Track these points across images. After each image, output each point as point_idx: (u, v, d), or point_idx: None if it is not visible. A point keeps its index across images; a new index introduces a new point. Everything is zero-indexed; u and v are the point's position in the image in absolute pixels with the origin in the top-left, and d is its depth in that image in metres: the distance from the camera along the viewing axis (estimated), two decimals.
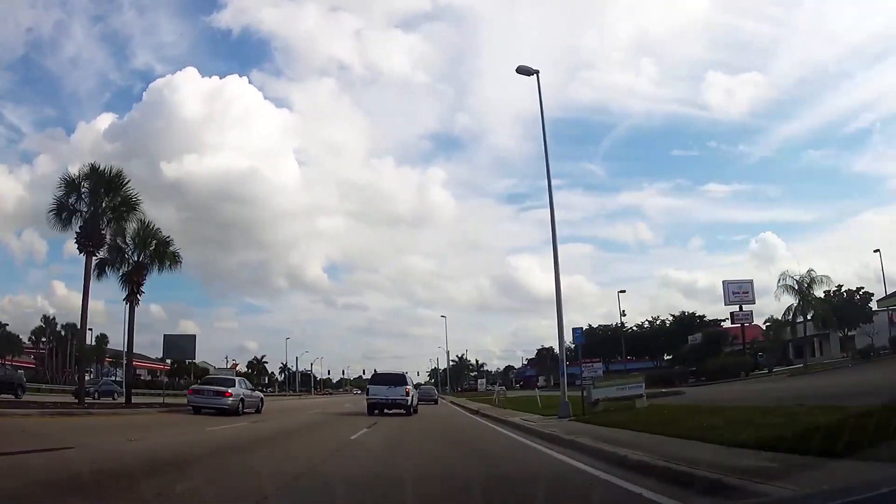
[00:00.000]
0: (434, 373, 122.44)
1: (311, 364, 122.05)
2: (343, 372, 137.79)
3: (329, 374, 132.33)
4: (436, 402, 43.94)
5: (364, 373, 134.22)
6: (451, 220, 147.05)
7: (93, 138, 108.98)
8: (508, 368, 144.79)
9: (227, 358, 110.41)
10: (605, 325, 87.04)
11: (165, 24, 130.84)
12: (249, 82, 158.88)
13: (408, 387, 24.86)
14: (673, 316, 77.52)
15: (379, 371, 29.62)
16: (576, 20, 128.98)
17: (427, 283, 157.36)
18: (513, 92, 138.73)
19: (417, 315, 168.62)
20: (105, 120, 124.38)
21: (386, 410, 23.94)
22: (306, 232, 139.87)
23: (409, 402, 24.14)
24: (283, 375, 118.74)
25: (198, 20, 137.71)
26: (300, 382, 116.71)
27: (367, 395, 25.54)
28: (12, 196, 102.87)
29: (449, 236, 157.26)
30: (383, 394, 24.11)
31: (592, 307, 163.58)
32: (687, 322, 74.49)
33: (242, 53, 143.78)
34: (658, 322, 78.58)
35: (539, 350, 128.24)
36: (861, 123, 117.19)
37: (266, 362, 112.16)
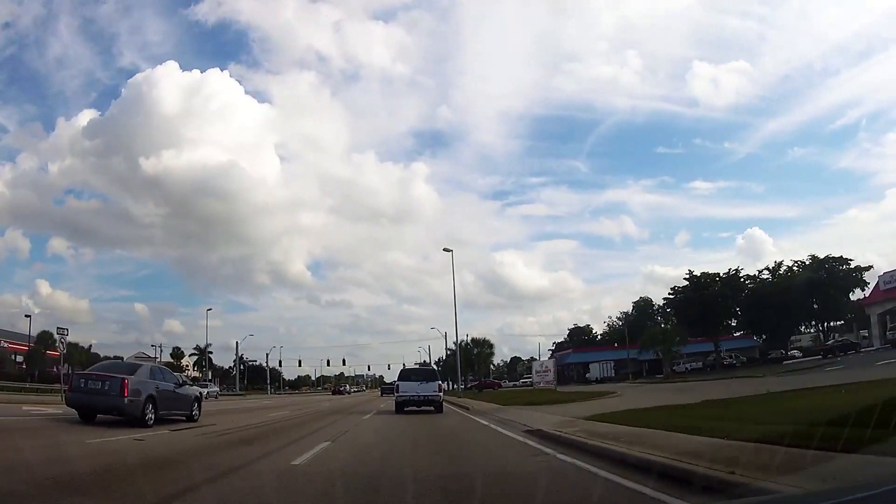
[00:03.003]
0: (424, 369, 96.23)
1: (267, 354, 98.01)
2: (300, 363, 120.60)
3: (281, 365, 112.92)
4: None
5: (329, 363, 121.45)
6: (434, 215, 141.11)
7: (72, 135, 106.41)
8: (516, 360, 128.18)
9: (157, 346, 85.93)
10: (707, 273, 58.38)
11: (146, 17, 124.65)
12: (230, 76, 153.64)
13: (440, 382, 24.14)
14: (799, 264, 52.23)
15: (409, 366, 30.24)
16: (559, 10, 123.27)
17: (411, 280, 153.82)
18: (496, 86, 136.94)
19: (402, 311, 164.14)
20: (85, 116, 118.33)
21: (415, 408, 22.86)
22: (288, 228, 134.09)
23: (441, 400, 23.58)
24: (238, 369, 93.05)
25: (177, 13, 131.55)
26: (249, 379, 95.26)
27: (396, 392, 24.14)
28: None
29: (433, 232, 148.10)
30: (414, 390, 23.21)
31: (578, 302, 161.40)
32: (828, 270, 50.01)
33: (222, 46, 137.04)
34: (782, 270, 52.76)
35: (571, 330, 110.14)
36: (846, 120, 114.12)
37: (212, 352, 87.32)
